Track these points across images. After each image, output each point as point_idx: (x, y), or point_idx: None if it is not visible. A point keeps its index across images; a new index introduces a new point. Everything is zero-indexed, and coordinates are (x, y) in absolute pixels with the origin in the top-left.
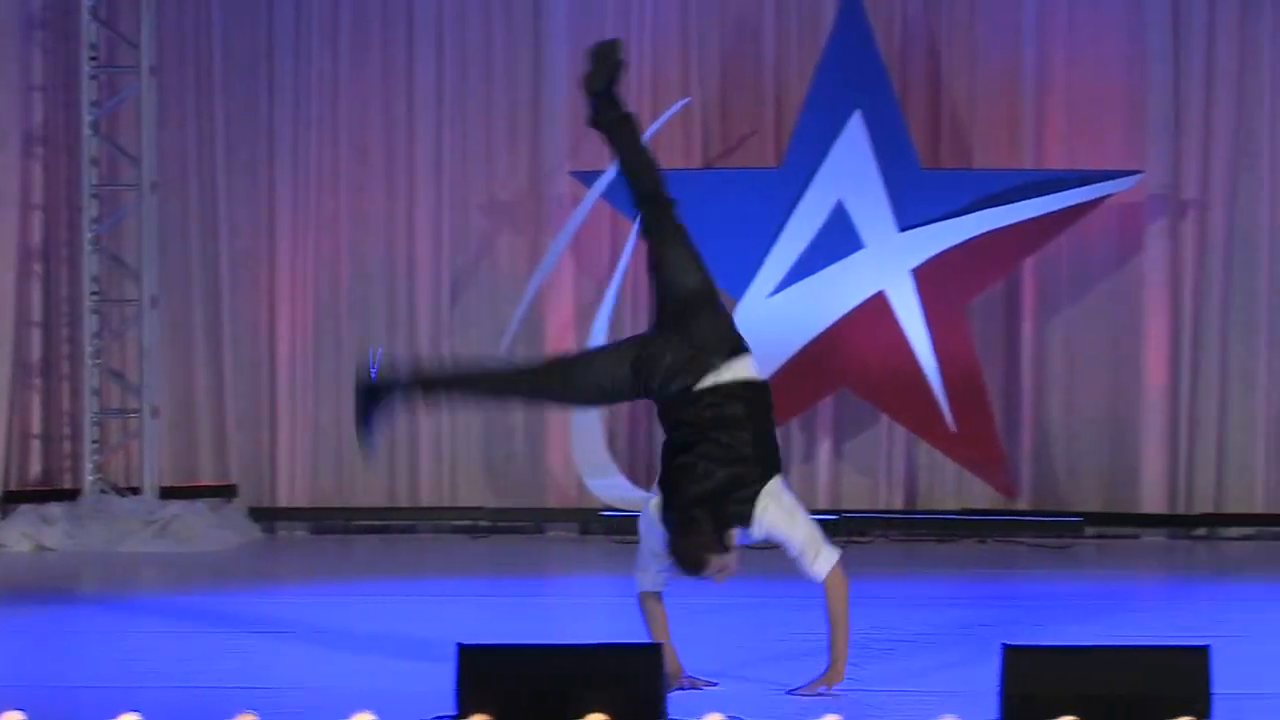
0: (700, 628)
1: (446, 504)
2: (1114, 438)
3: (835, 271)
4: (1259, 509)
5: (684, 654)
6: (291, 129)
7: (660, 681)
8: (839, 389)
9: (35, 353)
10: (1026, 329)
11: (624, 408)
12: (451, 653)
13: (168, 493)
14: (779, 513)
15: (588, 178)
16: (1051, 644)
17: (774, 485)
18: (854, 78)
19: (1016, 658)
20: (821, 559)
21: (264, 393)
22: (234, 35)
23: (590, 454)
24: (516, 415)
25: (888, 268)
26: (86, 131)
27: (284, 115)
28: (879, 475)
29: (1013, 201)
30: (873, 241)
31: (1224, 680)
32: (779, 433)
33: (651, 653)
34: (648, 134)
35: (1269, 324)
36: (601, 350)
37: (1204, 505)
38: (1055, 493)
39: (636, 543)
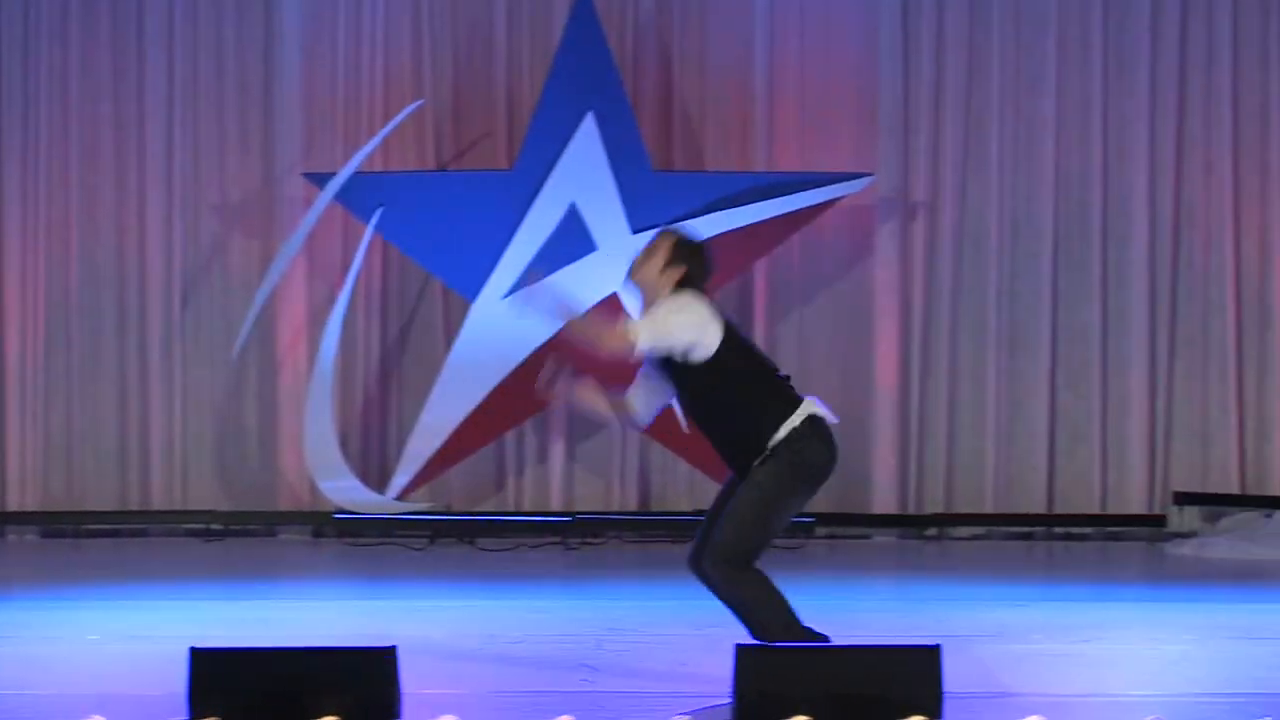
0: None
1: (178, 507)
2: (845, 438)
3: (569, 273)
4: (988, 509)
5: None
6: (20, 129)
7: (394, 684)
8: None
9: None
10: (759, 330)
11: (357, 408)
12: (184, 656)
13: None
14: (689, 303)
15: (320, 179)
16: (784, 644)
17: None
18: (586, 80)
19: (749, 657)
20: (642, 330)
21: None
22: None
23: (323, 456)
24: (249, 417)
25: (620, 269)
26: None
27: (13, 115)
28: (612, 477)
29: (745, 204)
30: (606, 243)
31: (954, 679)
32: (514, 434)
33: (384, 656)
34: (379, 137)
35: (997, 325)
36: None
37: (934, 506)
38: None
39: (368, 545)
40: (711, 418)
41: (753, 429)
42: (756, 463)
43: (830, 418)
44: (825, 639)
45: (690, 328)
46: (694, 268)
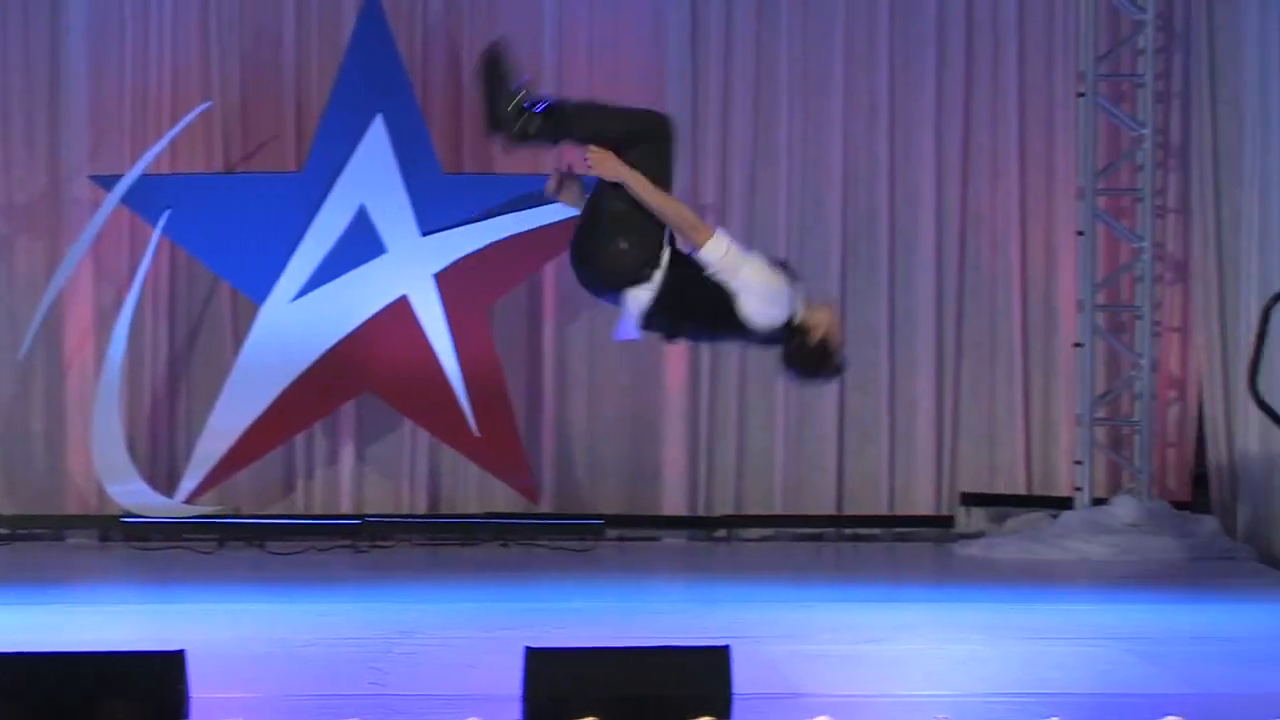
0: None
1: None
2: (634, 440)
3: (358, 276)
4: (777, 510)
5: None
6: None
7: (183, 687)
8: (362, 393)
9: None
10: (548, 332)
11: (145, 410)
12: None
13: None
14: None
15: (107, 181)
16: (573, 646)
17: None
18: (375, 82)
19: (539, 660)
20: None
21: None
22: None
23: (111, 459)
24: (36, 419)
25: (410, 272)
26: None
27: None
28: (402, 479)
29: (534, 206)
30: (395, 246)
31: (743, 679)
32: (303, 437)
33: (173, 659)
34: (166, 139)
35: None
36: None
37: (724, 507)
38: (577, 495)
39: (157, 549)
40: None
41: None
42: None
43: None
44: None
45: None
46: None
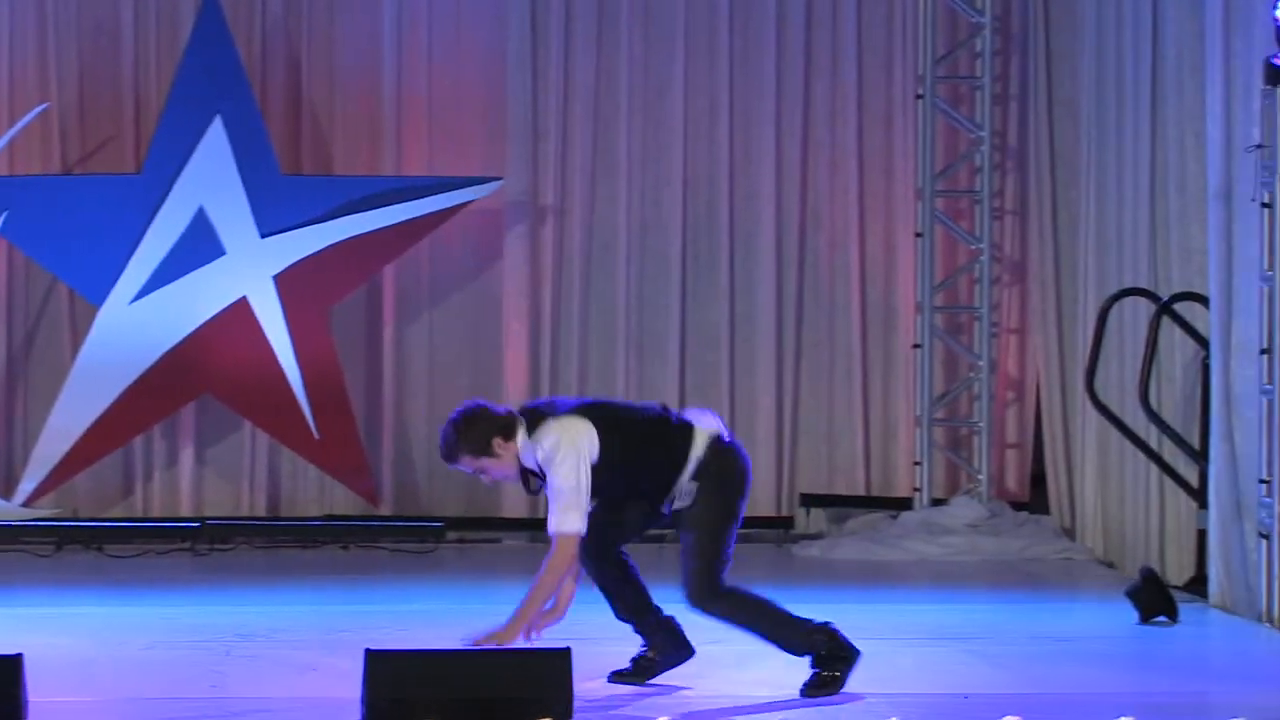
0: None
1: None
2: None
3: (197, 277)
4: None
5: None
6: None
7: (20, 692)
8: (201, 395)
9: None
10: (388, 334)
11: None
12: None
13: None
14: (557, 445)
15: None
16: (415, 648)
17: (573, 421)
18: (214, 83)
19: (380, 662)
20: (562, 520)
21: None
22: None
23: None
24: None
25: (250, 273)
26: None
27: None
28: (241, 481)
29: (374, 208)
30: (234, 247)
31: (584, 681)
32: (143, 439)
33: (10, 663)
34: (4, 140)
35: (626, 329)
36: None
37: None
38: (417, 498)
39: None
40: (628, 492)
41: (665, 480)
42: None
43: (724, 433)
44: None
45: (573, 472)
46: (496, 426)
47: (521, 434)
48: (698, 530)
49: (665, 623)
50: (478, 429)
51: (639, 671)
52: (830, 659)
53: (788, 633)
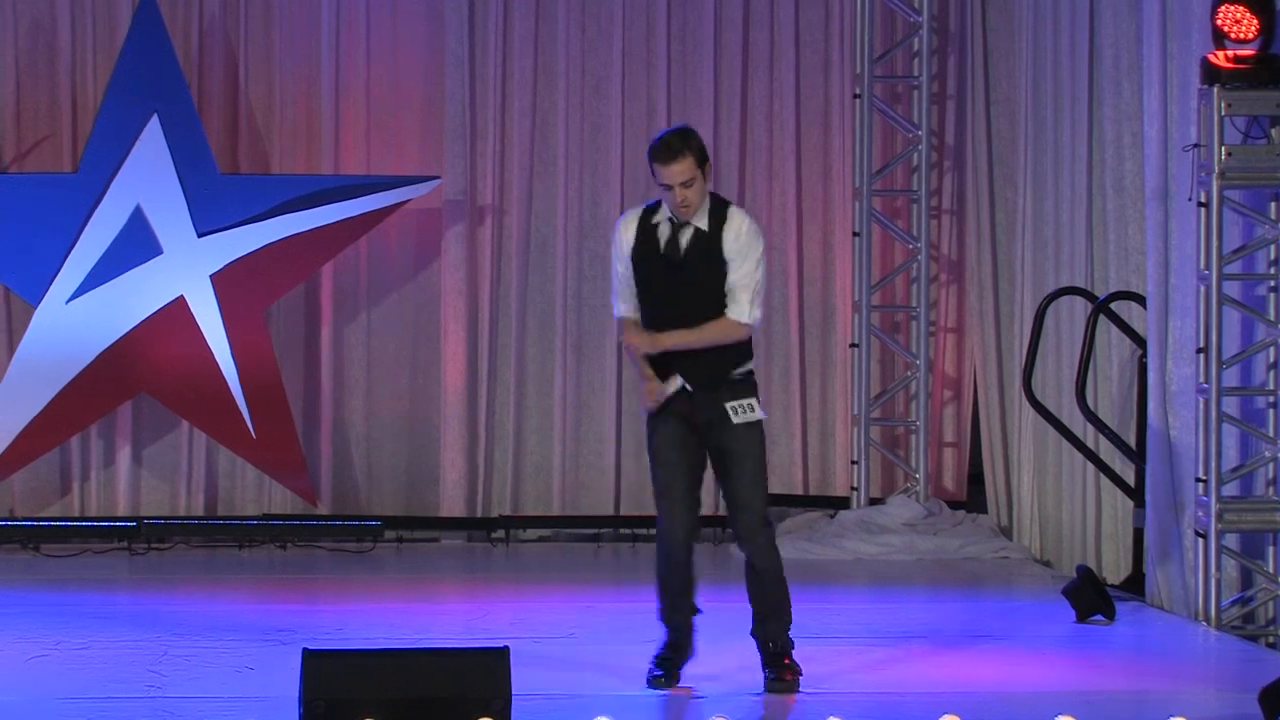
0: None
1: None
2: (413, 441)
3: (134, 276)
4: (556, 511)
5: None
6: None
7: None
8: (138, 394)
9: None
10: (325, 334)
11: None
12: None
13: None
14: (757, 234)
15: None
16: (352, 648)
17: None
18: (151, 82)
19: (317, 662)
20: (752, 310)
21: None
22: None
23: None
24: None
25: (187, 273)
26: None
27: None
28: (179, 481)
29: (312, 207)
30: (172, 246)
31: (523, 680)
32: (79, 438)
33: None
34: None
35: (564, 328)
36: None
37: (502, 508)
38: (355, 497)
39: None
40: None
41: (734, 349)
42: (738, 397)
43: None
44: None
45: (762, 270)
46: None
47: (709, 195)
48: (756, 456)
49: (692, 622)
50: (702, 141)
51: (670, 674)
52: (792, 676)
53: (777, 622)
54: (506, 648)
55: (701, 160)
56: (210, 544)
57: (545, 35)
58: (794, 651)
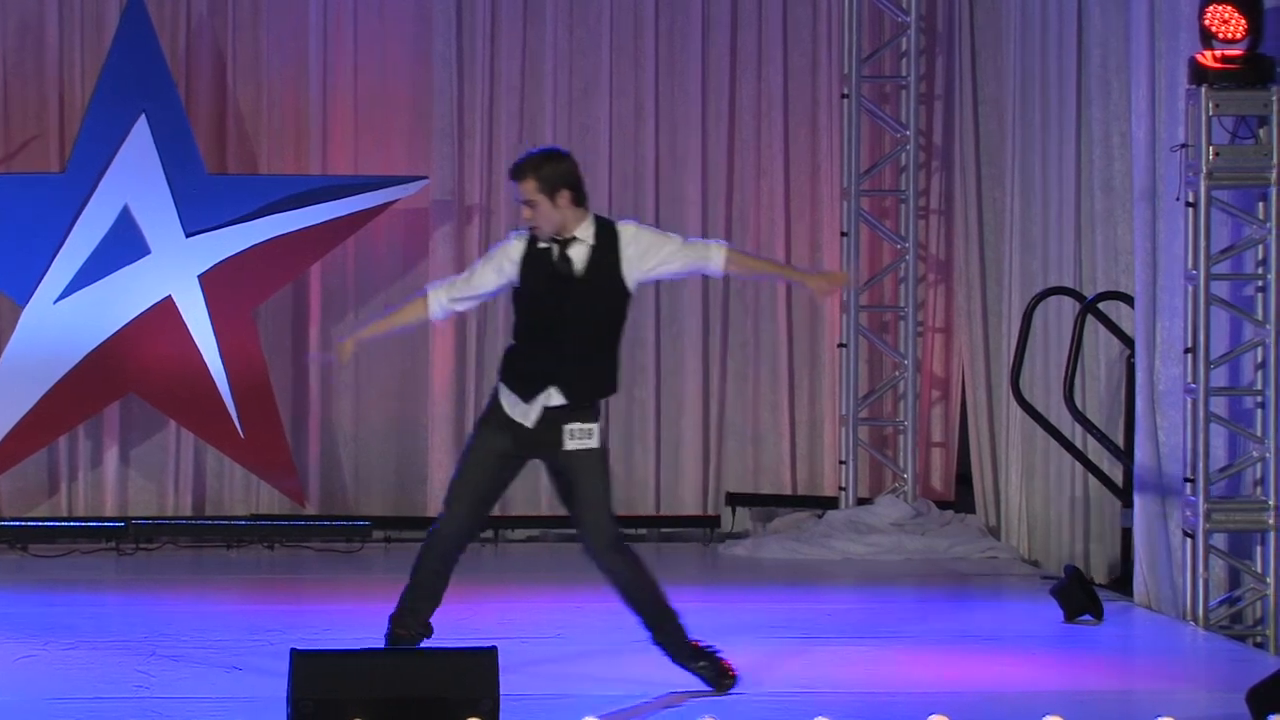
0: None
1: None
2: (401, 442)
3: (122, 276)
4: (543, 511)
5: None
6: None
7: None
8: (126, 394)
9: None
10: (314, 333)
11: None
12: None
13: None
14: (649, 231)
15: None
16: (340, 648)
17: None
18: (139, 81)
19: (305, 662)
20: (713, 244)
21: None
22: None
23: None
24: None
25: (175, 273)
26: None
27: None
28: (167, 482)
29: (300, 207)
30: (159, 246)
31: (511, 681)
32: (67, 438)
33: None
34: None
35: None
36: None
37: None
38: (343, 497)
39: None
40: (598, 344)
41: (609, 374)
42: (579, 421)
43: None
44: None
45: None
46: (575, 185)
47: (590, 216)
48: (598, 477)
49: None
50: (565, 171)
51: None
52: (712, 678)
53: (673, 629)
54: (494, 648)
55: (550, 188)
56: (198, 544)
57: (533, 36)
58: (708, 677)
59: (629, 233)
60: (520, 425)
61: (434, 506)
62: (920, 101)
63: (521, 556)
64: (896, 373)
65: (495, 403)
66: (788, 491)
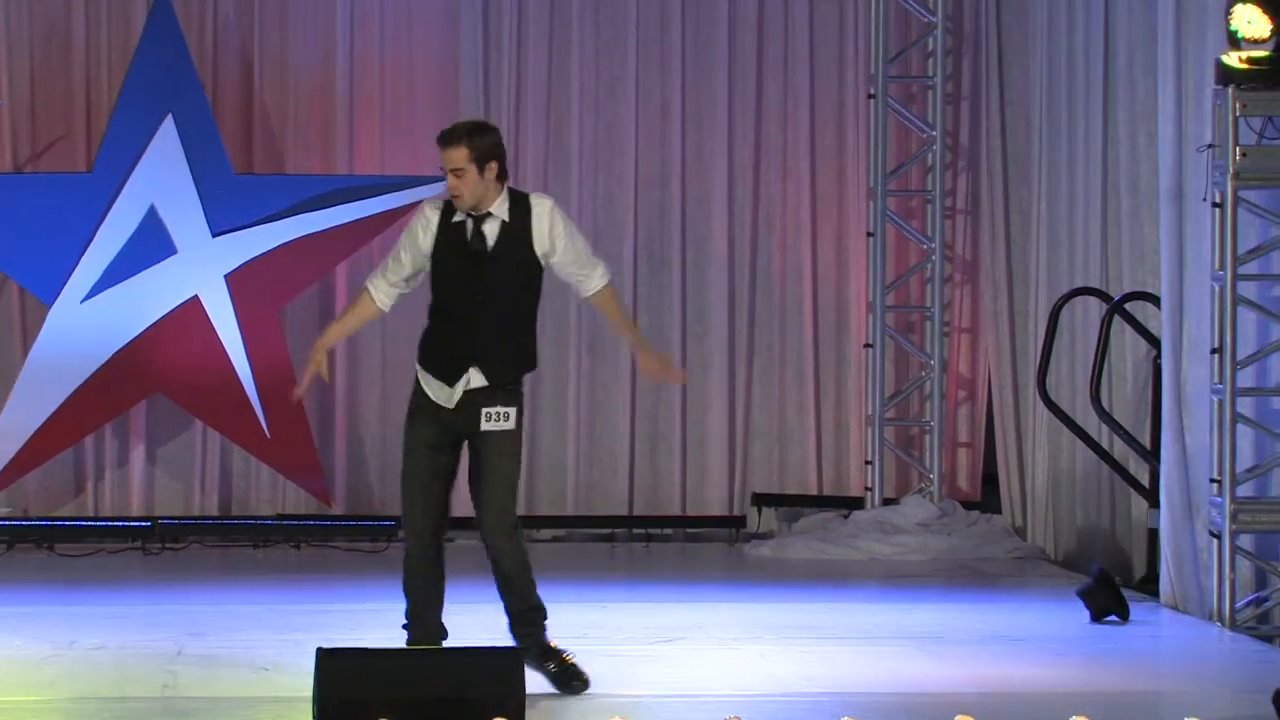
0: None
1: None
2: None
3: (149, 276)
4: (569, 510)
5: None
6: None
7: None
8: (153, 394)
9: None
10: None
11: None
12: None
13: None
14: (568, 218)
15: None
16: (367, 647)
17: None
18: (165, 82)
19: (332, 661)
20: (605, 271)
21: None
22: None
23: None
24: None
25: (202, 273)
26: None
27: None
28: (194, 481)
29: (326, 207)
30: (186, 246)
31: (536, 681)
32: (93, 438)
33: None
34: None
35: (578, 328)
36: None
37: (519, 507)
38: (369, 497)
39: None
40: (515, 322)
41: (528, 351)
42: (499, 404)
43: None
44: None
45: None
46: (501, 158)
47: (506, 190)
48: (507, 458)
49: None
50: (495, 143)
51: None
52: (561, 680)
53: (535, 627)
54: (520, 648)
55: (481, 158)
56: (225, 544)
57: (559, 35)
58: (554, 670)
59: (543, 207)
60: (443, 408)
61: (461, 506)
62: (947, 101)
63: (547, 556)
64: (923, 373)
65: (419, 390)
66: (813, 492)
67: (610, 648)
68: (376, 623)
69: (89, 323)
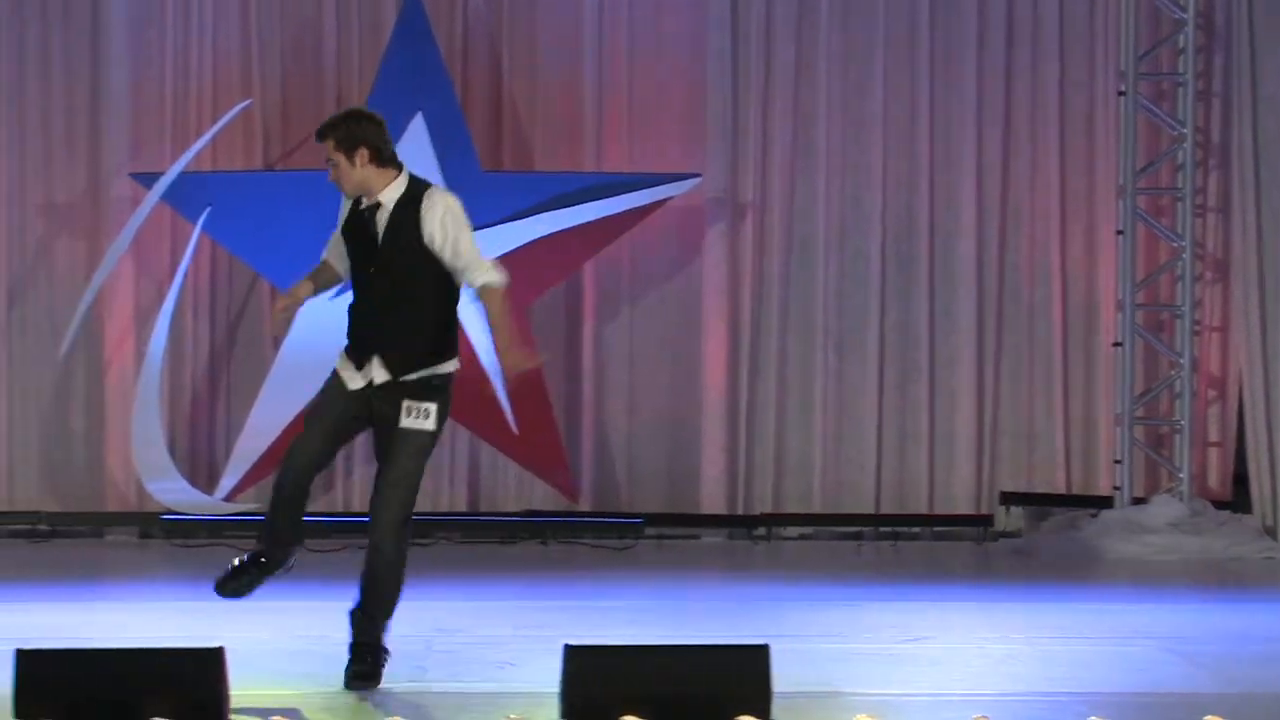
0: None
1: (4, 508)
2: (674, 439)
3: None
4: (816, 509)
5: None
6: None
7: (222, 684)
8: None
9: None
10: (588, 331)
11: (185, 408)
12: (9, 658)
13: None
14: (461, 213)
15: (147, 179)
16: (613, 644)
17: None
18: (415, 79)
19: (578, 658)
20: (494, 271)
21: None
22: None
23: (151, 457)
24: (76, 417)
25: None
26: None
27: None
28: (442, 478)
29: (574, 204)
30: None
31: (783, 678)
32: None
33: (212, 657)
34: (207, 137)
35: (825, 325)
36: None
37: (763, 505)
38: (616, 494)
39: (196, 546)
40: (411, 312)
41: (438, 344)
42: (422, 400)
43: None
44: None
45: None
46: (380, 145)
47: (403, 175)
48: (415, 457)
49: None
50: (363, 130)
51: (241, 578)
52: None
53: (379, 625)
54: (767, 645)
55: (349, 147)
56: (472, 540)
57: (807, 35)
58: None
59: (434, 199)
60: (359, 392)
61: (707, 503)
62: (1198, 98)
63: (795, 554)
64: (1172, 372)
65: (334, 371)
66: (1061, 490)
67: (856, 646)
68: (623, 620)
69: (339, 319)
